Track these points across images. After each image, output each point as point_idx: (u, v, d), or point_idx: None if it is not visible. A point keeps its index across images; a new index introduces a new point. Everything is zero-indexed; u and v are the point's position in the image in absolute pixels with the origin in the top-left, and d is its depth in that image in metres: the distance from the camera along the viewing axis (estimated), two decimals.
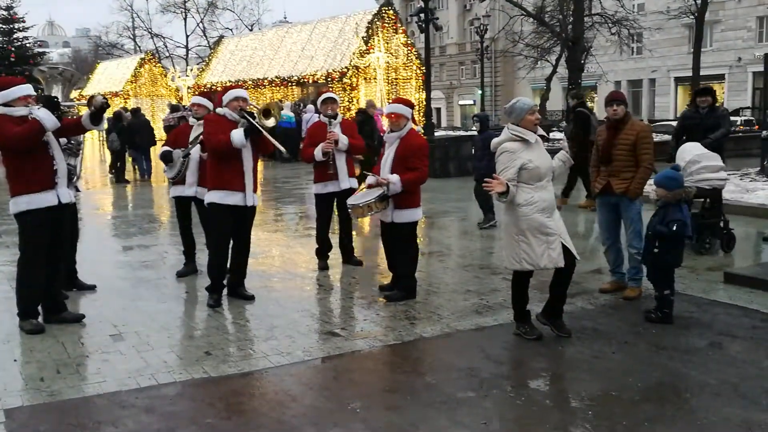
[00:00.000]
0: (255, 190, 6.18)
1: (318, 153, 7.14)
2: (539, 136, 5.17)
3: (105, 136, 19.07)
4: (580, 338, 5.20)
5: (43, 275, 5.54)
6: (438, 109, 57.10)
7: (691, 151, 7.62)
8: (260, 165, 19.97)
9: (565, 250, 5.01)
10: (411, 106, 6.46)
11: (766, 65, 11.92)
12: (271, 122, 5.99)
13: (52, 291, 5.68)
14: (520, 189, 4.94)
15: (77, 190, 6.51)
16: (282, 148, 6.22)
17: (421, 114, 21.41)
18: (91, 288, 6.74)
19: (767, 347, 4.99)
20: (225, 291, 6.35)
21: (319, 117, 7.64)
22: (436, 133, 21.58)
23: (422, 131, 16.37)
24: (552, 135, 26.26)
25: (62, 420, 3.96)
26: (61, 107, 5.83)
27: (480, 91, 49.36)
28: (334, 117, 7.35)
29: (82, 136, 6.27)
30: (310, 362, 4.83)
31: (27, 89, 5.54)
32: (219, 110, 6.19)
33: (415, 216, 6.32)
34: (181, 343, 5.26)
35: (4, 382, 4.48)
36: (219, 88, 28.19)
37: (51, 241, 5.54)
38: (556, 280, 5.18)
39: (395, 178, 6.03)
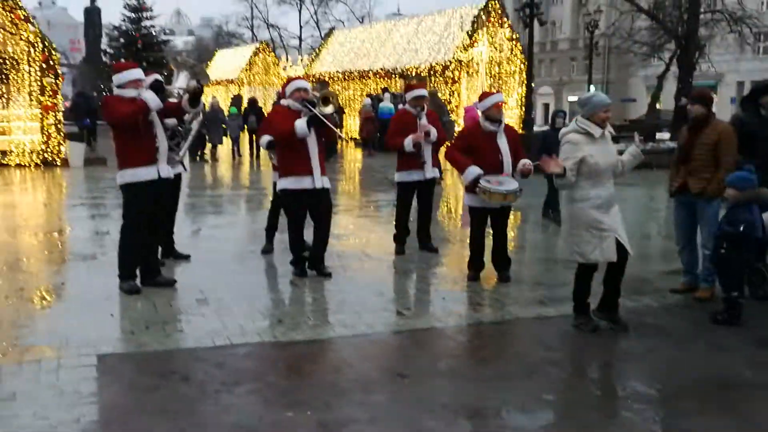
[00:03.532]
0: (323, 173, 6.55)
1: (408, 144, 7.42)
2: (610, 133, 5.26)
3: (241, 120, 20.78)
4: (638, 333, 5.26)
5: (141, 242, 6.14)
6: (546, 105, 56.20)
7: None
8: (360, 154, 20.67)
9: (620, 245, 5.09)
10: None
11: None
12: (329, 109, 6.37)
13: (148, 257, 6.28)
14: (578, 184, 5.06)
15: (185, 169, 7.13)
16: (341, 134, 6.62)
17: (523, 109, 21.32)
18: (186, 257, 7.34)
19: None
20: (306, 265, 6.77)
21: (404, 106, 7.92)
22: (538, 128, 21.52)
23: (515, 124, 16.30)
24: (660, 135, 25.45)
25: (144, 367, 4.47)
26: (166, 91, 6.40)
27: (593, 87, 48.10)
28: (423, 110, 7.63)
29: (195, 121, 6.94)
30: (371, 336, 5.15)
31: (138, 74, 6.15)
32: (283, 101, 6.61)
33: None
34: (258, 310, 5.71)
35: (101, 332, 5.05)
36: (326, 78, 29.04)
37: (150, 211, 6.12)
38: (609, 275, 5.27)
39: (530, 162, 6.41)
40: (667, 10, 24.68)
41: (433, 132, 7.49)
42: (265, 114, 19.81)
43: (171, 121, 6.51)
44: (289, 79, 6.83)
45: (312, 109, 6.31)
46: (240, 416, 3.79)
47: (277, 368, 4.53)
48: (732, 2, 25.65)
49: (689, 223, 6.39)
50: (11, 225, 9.35)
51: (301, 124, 6.27)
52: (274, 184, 7.71)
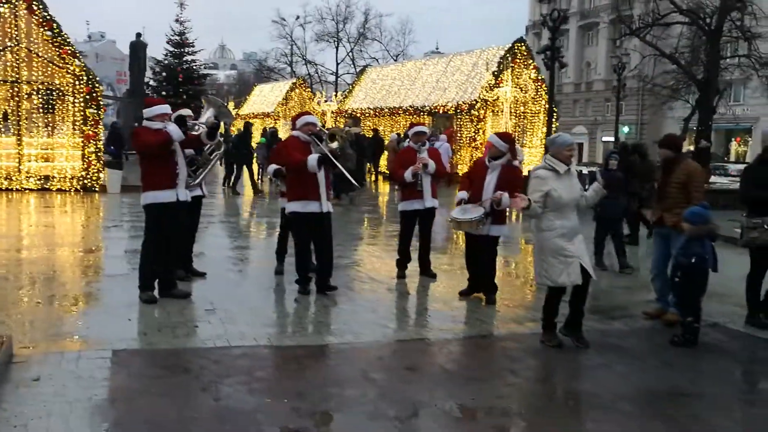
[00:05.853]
0: (328, 198, 7.26)
1: (408, 175, 8.11)
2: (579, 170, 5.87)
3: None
4: (599, 351, 5.78)
5: (160, 257, 6.85)
6: (580, 145, 56.50)
7: None
8: (386, 187, 21.30)
9: (584, 269, 5.65)
10: (508, 141, 7.17)
11: None
12: (335, 145, 7.09)
13: (166, 271, 6.99)
14: (544, 215, 5.66)
15: (203, 193, 7.89)
16: (350, 178, 7.43)
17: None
18: (202, 275, 8.04)
19: None
20: (310, 285, 7.42)
21: (408, 143, 8.63)
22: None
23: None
24: None
25: (151, 361, 5.15)
26: (188, 124, 7.15)
27: (627, 129, 48.31)
28: (423, 145, 8.33)
29: (215, 153, 7.69)
30: (356, 344, 5.76)
31: (165, 109, 6.94)
32: (293, 132, 7.33)
33: (504, 231, 7.45)
34: (260, 320, 6.36)
35: (118, 333, 5.75)
36: (358, 114, 29.99)
37: (168, 230, 6.85)
38: (574, 297, 5.82)
39: (507, 196, 6.67)
40: (689, 55, 25.17)
41: (431, 164, 8.14)
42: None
43: (189, 151, 7.25)
44: (301, 113, 7.57)
45: (318, 143, 7.04)
46: (228, 401, 4.43)
47: (265, 366, 5.17)
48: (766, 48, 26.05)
49: (663, 254, 6.92)
50: (50, 242, 10.19)
51: (312, 162, 6.96)
52: (282, 210, 8.43)
